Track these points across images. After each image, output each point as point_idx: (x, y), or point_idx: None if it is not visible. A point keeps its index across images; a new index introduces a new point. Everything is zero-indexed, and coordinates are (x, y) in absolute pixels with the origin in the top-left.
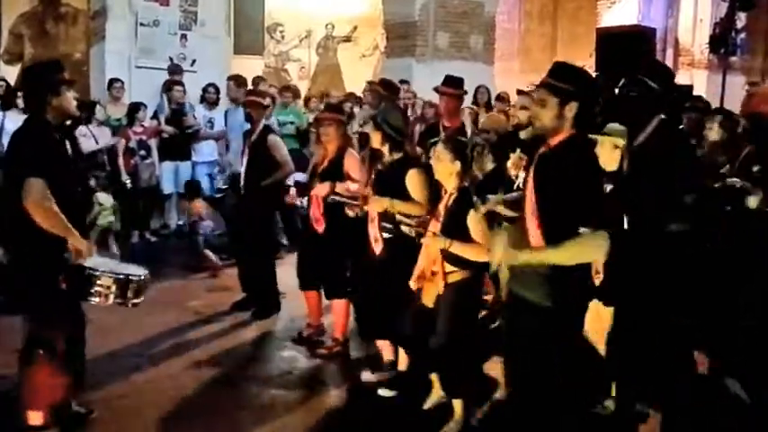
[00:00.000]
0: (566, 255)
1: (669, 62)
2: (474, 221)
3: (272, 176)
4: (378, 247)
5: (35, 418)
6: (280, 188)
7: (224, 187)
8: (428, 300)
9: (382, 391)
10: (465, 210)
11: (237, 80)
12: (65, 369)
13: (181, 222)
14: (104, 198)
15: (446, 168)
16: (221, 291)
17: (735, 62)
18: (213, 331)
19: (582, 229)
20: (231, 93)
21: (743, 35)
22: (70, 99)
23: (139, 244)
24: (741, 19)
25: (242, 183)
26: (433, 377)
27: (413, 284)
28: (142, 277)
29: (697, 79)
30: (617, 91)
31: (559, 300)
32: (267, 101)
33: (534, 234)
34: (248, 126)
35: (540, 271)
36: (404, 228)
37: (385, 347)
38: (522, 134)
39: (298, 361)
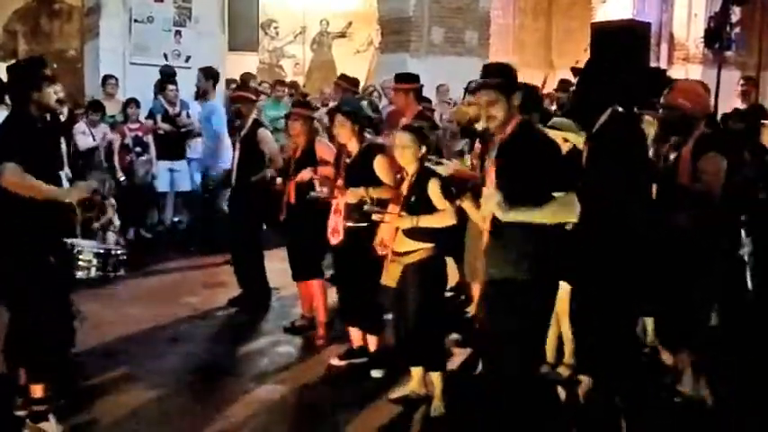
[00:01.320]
0: (546, 213)
1: (664, 57)
2: (434, 189)
3: (263, 171)
4: (335, 239)
5: (37, 390)
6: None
7: (213, 183)
8: (390, 280)
9: (375, 373)
10: (426, 182)
11: (206, 72)
12: (63, 339)
13: (176, 219)
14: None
15: (414, 155)
16: (217, 287)
17: (730, 57)
18: (209, 327)
19: (556, 194)
20: (201, 84)
21: (737, 30)
22: (51, 94)
23: (135, 240)
24: (736, 13)
25: (233, 177)
26: (413, 371)
27: (378, 249)
28: (119, 251)
29: (692, 74)
30: (572, 89)
31: (536, 272)
32: (273, 94)
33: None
34: (212, 117)
35: (516, 247)
36: (375, 216)
37: (354, 333)
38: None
39: (293, 356)
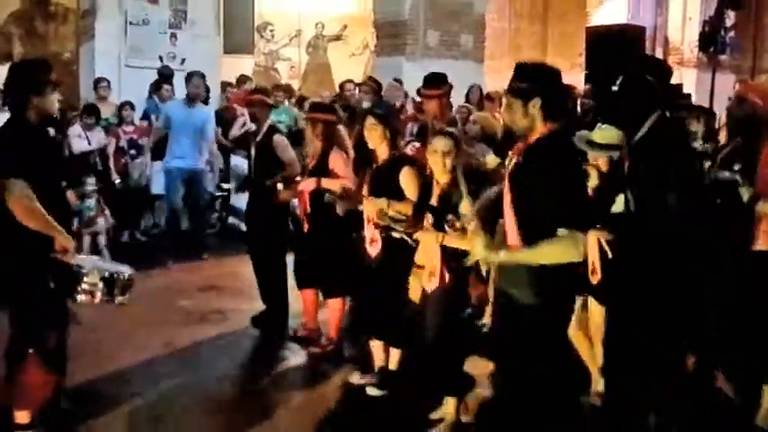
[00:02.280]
0: (541, 255)
1: None
2: (467, 208)
3: (277, 176)
4: (374, 250)
5: (22, 416)
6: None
7: (226, 186)
8: (414, 294)
9: (371, 391)
10: (458, 196)
11: (204, 77)
12: (54, 367)
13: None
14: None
15: (452, 163)
16: (211, 290)
17: (724, 60)
18: (203, 331)
19: (559, 230)
20: (201, 90)
21: (732, 33)
22: (53, 101)
23: (129, 243)
24: (730, 17)
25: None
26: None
27: (427, 285)
28: (128, 275)
29: (687, 78)
30: (615, 88)
31: (545, 297)
32: (272, 99)
33: (512, 233)
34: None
35: (525, 269)
36: (395, 234)
37: (376, 350)
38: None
39: (290, 361)
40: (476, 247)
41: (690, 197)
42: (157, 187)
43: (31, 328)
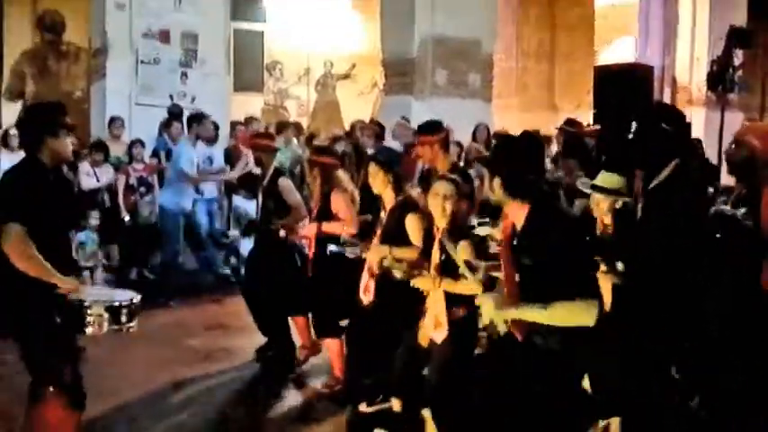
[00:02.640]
0: (555, 316)
1: (667, 100)
2: (461, 254)
3: (284, 221)
4: (366, 298)
5: None
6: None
7: (234, 232)
8: (423, 339)
9: None
10: (456, 242)
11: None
12: (75, 403)
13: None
14: (85, 236)
15: (451, 208)
16: (219, 329)
17: (733, 99)
18: (210, 369)
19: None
20: (211, 133)
21: (740, 72)
22: (67, 144)
23: (137, 281)
24: (738, 56)
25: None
26: (426, 414)
27: (434, 335)
28: (132, 300)
29: (695, 117)
30: (631, 135)
31: (570, 344)
32: (283, 137)
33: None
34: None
35: None
36: (395, 272)
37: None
38: None
39: (295, 398)
40: (487, 309)
41: (699, 245)
42: None
43: (45, 366)
